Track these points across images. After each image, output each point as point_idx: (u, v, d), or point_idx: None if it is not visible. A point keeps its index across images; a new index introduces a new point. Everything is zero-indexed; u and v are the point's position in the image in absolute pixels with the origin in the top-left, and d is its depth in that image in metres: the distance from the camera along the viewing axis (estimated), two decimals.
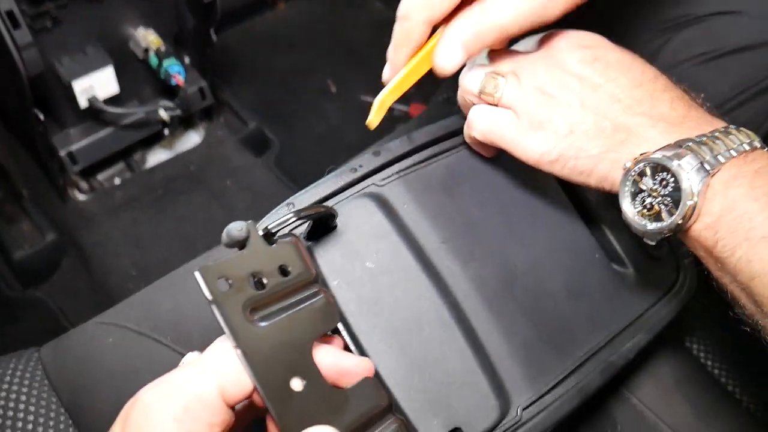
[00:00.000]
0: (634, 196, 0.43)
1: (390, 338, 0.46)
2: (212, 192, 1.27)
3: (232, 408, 0.34)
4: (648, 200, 0.43)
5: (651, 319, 0.57)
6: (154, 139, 1.30)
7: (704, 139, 0.41)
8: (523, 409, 0.49)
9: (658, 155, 0.42)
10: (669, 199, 0.42)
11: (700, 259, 0.44)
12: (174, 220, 1.22)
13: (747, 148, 0.42)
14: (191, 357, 0.39)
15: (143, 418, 0.33)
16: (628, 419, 0.64)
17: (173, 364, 0.55)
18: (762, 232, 0.39)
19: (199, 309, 0.59)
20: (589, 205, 0.59)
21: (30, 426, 0.54)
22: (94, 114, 1.10)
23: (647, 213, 0.43)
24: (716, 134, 0.42)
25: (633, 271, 0.58)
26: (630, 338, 0.56)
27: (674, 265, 0.61)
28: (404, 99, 1.53)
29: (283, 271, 0.38)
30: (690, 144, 0.41)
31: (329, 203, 0.50)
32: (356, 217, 0.49)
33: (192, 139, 1.36)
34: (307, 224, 0.47)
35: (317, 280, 0.40)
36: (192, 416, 0.33)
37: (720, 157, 0.41)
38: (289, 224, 0.43)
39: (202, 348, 0.56)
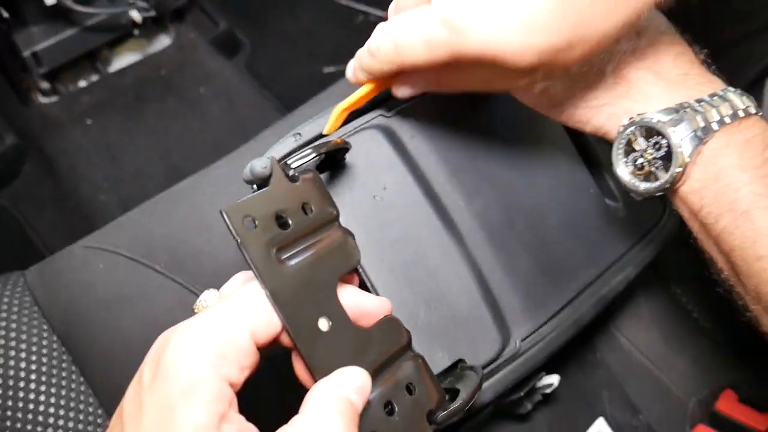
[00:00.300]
0: (627, 154, 0.44)
1: (397, 272, 0.46)
2: (186, 99, 1.22)
3: (260, 349, 0.34)
4: (640, 160, 0.43)
5: (639, 253, 0.59)
6: (121, 39, 1.23)
7: (702, 103, 0.41)
8: (522, 341, 0.50)
9: (653, 118, 0.42)
10: (660, 162, 0.42)
11: (684, 219, 0.45)
12: (147, 128, 1.17)
13: (741, 114, 0.41)
14: (210, 296, 0.38)
15: (177, 363, 0.31)
16: (608, 348, 0.67)
17: (167, 291, 0.55)
18: (746, 205, 0.40)
19: (190, 234, 0.58)
20: (585, 139, 0.59)
21: (23, 354, 0.53)
22: (61, 12, 1.03)
23: (638, 172, 0.44)
24: (714, 98, 0.42)
25: (623, 206, 0.59)
26: (620, 272, 0.57)
27: (661, 203, 0.62)
28: (380, 4, 1.48)
29: (305, 209, 0.38)
30: (687, 109, 0.41)
31: (336, 134, 0.49)
32: (364, 149, 0.48)
33: (161, 40, 1.29)
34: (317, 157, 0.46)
35: (338, 218, 0.40)
36: (227, 360, 0.32)
37: (714, 125, 0.41)
38: (305, 158, 0.42)
39: (197, 276, 0.56)
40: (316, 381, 0.34)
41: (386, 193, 0.48)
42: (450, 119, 0.52)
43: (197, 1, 1.33)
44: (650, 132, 0.42)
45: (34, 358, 0.53)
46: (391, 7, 0.45)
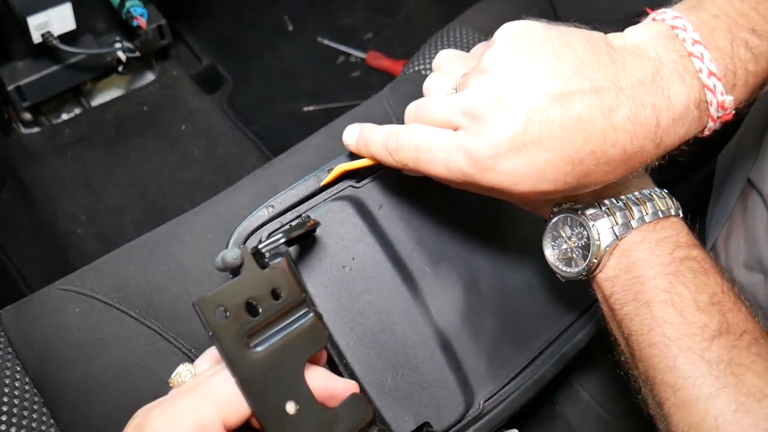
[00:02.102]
0: (554, 239, 0.48)
1: (366, 339, 0.49)
2: (167, 136, 1.24)
3: (231, 431, 0.37)
4: (564, 246, 0.48)
5: (599, 311, 0.61)
6: (105, 74, 1.25)
7: (626, 202, 0.46)
8: (485, 401, 0.52)
9: (578, 210, 0.46)
10: (580, 250, 0.47)
11: (599, 301, 0.49)
12: (126, 163, 1.19)
13: (661, 216, 0.46)
14: (185, 371, 0.41)
15: None
16: (568, 401, 0.69)
17: (141, 337, 0.56)
18: (647, 298, 0.44)
19: (167, 281, 0.59)
20: None
21: None
22: (47, 50, 1.05)
23: (562, 257, 0.48)
24: (638, 197, 0.46)
25: None
26: (580, 329, 0.59)
27: None
28: (361, 46, 1.52)
29: (275, 294, 0.40)
30: (610, 207, 0.45)
31: (307, 204, 0.52)
32: (334, 220, 0.51)
33: (145, 76, 1.31)
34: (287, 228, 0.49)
35: (306, 300, 0.42)
36: None
37: (633, 223, 0.45)
38: (276, 242, 0.44)
39: (171, 323, 0.57)
40: None
41: (355, 263, 0.51)
42: (416, 189, 0.55)
43: (182, 38, 1.35)
44: (574, 222, 0.46)
45: (5, 399, 0.54)
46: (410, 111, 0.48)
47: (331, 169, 0.52)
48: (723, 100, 0.40)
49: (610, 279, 0.46)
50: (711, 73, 0.40)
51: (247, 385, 0.36)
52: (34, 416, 0.54)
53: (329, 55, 1.51)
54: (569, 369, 0.63)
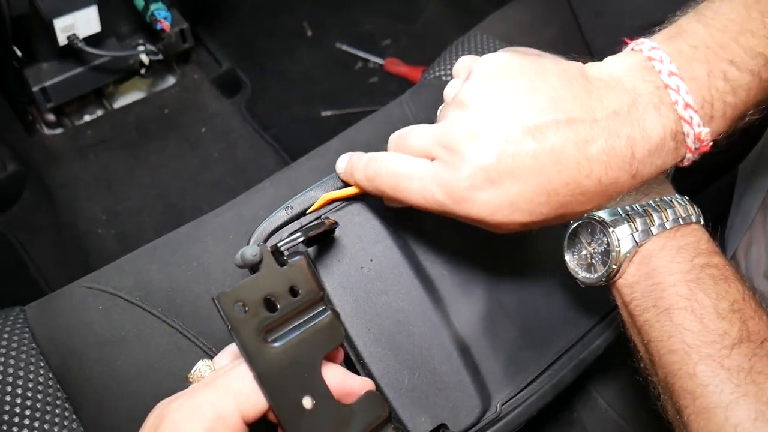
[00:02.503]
0: (574, 245, 0.49)
1: (383, 340, 0.50)
2: (187, 139, 1.25)
3: (249, 424, 0.38)
4: (584, 252, 0.48)
5: (618, 317, 0.61)
6: (127, 76, 1.26)
7: (646, 208, 0.46)
8: (502, 405, 0.52)
9: (598, 217, 0.46)
10: (600, 256, 0.47)
11: (618, 306, 0.49)
12: (147, 165, 1.20)
13: (681, 222, 0.46)
14: (204, 366, 0.42)
15: None
16: (585, 407, 0.69)
17: (163, 335, 0.57)
18: (667, 304, 0.44)
19: (189, 280, 0.60)
20: None
21: (19, 390, 0.54)
22: (72, 52, 1.07)
23: (582, 263, 0.48)
24: (660, 204, 0.46)
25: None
26: (599, 335, 0.59)
27: None
28: (379, 53, 1.52)
29: (293, 291, 0.41)
30: (630, 213, 0.45)
31: (326, 206, 0.52)
32: (353, 221, 0.52)
33: (166, 79, 1.32)
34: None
35: (323, 298, 0.43)
36: None
37: (653, 229, 0.45)
38: (295, 240, 0.45)
39: (192, 322, 0.58)
40: None
41: (373, 264, 0.51)
42: None
43: (202, 42, 1.37)
44: (594, 228, 0.46)
45: (29, 394, 0.55)
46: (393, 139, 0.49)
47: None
48: (699, 132, 0.41)
49: (629, 285, 0.46)
50: (687, 105, 0.40)
51: (264, 379, 0.37)
52: (57, 411, 0.55)
53: (347, 61, 1.52)
54: (587, 375, 0.63)
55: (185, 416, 0.36)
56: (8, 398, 0.54)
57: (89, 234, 1.12)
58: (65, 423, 0.55)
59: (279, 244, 0.43)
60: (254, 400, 0.37)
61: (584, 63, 0.44)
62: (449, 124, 0.43)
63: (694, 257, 0.45)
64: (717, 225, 0.73)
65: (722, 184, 0.75)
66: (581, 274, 0.48)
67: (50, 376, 0.56)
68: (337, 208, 0.52)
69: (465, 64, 0.52)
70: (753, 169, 0.69)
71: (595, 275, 0.47)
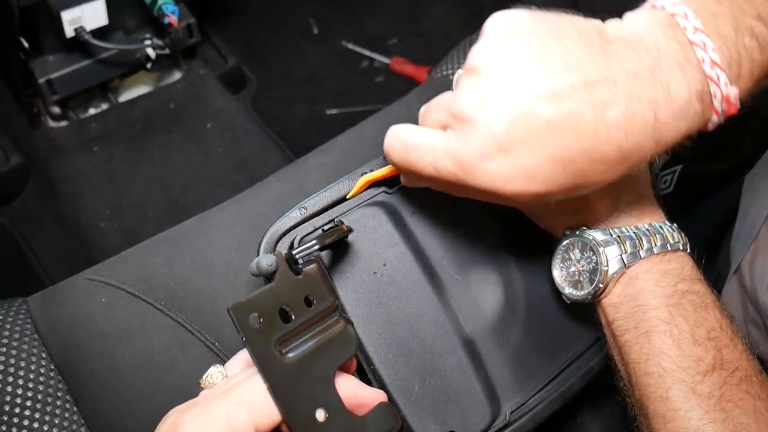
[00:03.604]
0: (563, 260, 0.49)
1: (394, 346, 0.49)
2: (192, 134, 1.25)
3: None
4: (572, 269, 0.49)
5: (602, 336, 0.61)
6: (133, 70, 1.26)
7: (637, 232, 0.46)
8: (512, 412, 0.52)
9: (590, 236, 0.46)
10: (588, 274, 0.47)
11: (602, 326, 0.49)
12: (151, 159, 1.20)
13: (669, 248, 0.46)
14: (216, 373, 0.42)
15: None
16: (590, 413, 0.68)
17: (165, 328, 0.57)
18: (647, 327, 0.44)
19: (192, 275, 0.59)
20: None
21: (21, 381, 0.54)
22: (79, 44, 1.06)
23: (570, 279, 0.49)
24: (650, 229, 0.46)
25: None
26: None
27: None
28: (385, 52, 1.52)
29: (308, 301, 0.41)
30: (621, 236, 0.46)
31: (340, 208, 0.52)
32: (366, 226, 0.51)
33: (172, 74, 1.32)
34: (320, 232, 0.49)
35: (337, 307, 0.42)
36: None
37: (641, 252, 0.45)
38: (309, 248, 0.45)
39: (195, 316, 0.57)
40: None
41: (386, 269, 0.51)
42: (449, 197, 0.54)
43: (209, 38, 1.37)
44: (585, 246, 0.47)
45: (30, 385, 0.54)
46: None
47: (365, 173, 0.52)
48: (727, 93, 0.38)
49: (614, 305, 0.47)
50: (714, 63, 0.37)
51: (278, 391, 0.37)
52: (58, 403, 0.55)
53: (353, 60, 1.52)
54: (595, 385, 0.63)
55: (199, 428, 0.36)
56: (9, 389, 0.54)
57: (91, 227, 1.12)
58: (66, 415, 0.55)
59: (294, 252, 0.43)
60: (268, 412, 0.37)
61: (602, 21, 0.41)
62: (460, 92, 0.41)
63: (677, 282, 0.45)
64: (722, 236, 0.73)
65: (728, 194, 0.74)
66: (567, 290, 0.49)
67: (51, 367, 0.56)
68: (352, 209, 0.52)
69: None
70: (759, 182, 0.69)
71: (582, 293, 0.48)
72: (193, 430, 0.36)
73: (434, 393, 0.49)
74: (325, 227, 0.50)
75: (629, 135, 0.38)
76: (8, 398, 0.54)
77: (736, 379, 0.43)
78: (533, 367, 0.54)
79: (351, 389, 0.41)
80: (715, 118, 0.40)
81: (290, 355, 0.38)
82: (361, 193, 0.52)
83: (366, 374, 0.49)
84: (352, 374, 0.46)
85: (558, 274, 0.50)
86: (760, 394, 0.43)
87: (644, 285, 0.45)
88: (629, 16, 0.41)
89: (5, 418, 0.53)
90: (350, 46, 1.53)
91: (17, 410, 0.54)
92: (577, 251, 0.48)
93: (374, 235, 0.51)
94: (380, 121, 0.74)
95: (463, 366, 0.51)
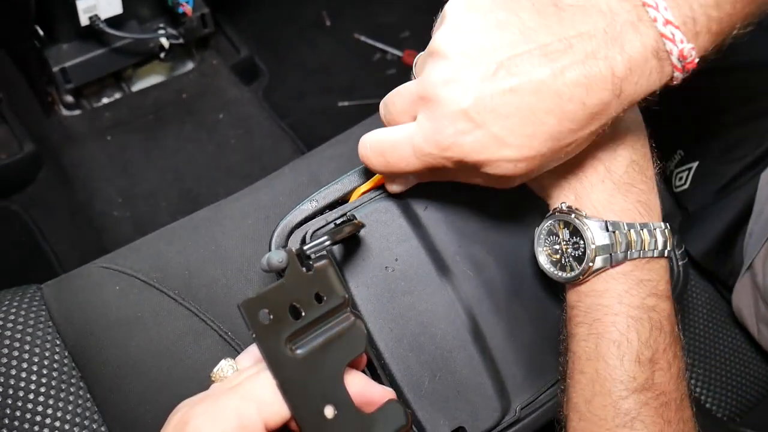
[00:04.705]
0: (549, 235, 0.49)
1: (405, 341, 0.49)
2: (204, 124, 1.25)
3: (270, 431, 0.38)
4: (556, 247, 0.48)
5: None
6: (146, 60, 1.26)
7: (630, 230, 0.46)
8: (522, 408, 0.52)
9: (585, 225, 0.46)
10: (571, 258, 0.47)
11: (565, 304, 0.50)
12: (164, 149, 1.20)
13: (655, 254, 0.46)
14: (227, 366, 0.42)
15: None
16: None
17: (179, 317, 0.57)
18: (600, 330, 0.45)
19: (206, 264, 0.59)
20: None
21: (35, 367, 0.55)
22: (93, 33, 1.07)
23: (552, 256, 0.49)
24: (642, 228, 0.46)
25: None
26: None
27: (670, 266, 0.63)
28: (398, 44, 1.52)
29: (318, 297, 0.40)
30: (615, 231, 0.45)
31: (352, 202, 0.52)
32: (379, 220, 0.51)
33: (185, 64, 1.32)
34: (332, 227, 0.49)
35: (348, 303, 0.42)
36: None
37: (629, 254, 0.45)
38: (321, 244, 0.44)
39: (208, 305, 0.58)
40: None
41: (398, 264, 0.51)
42: (462, 190, 0.54)
43: (222, 29, 1.37)
44: (576, 231, 0.46)
45: (45, 371, 0.55)
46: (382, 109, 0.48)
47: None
48: (682, 48, 0.39)
49: (581, 292, 0.47)
50: (667, 22, 0.39)
51: (287, 388, 0.37)
52: (72, 390, 0.55)
53: (366, 52, 1.51)
54: None
55: (208, 422, 0.36)
56: (24, 374, 0.55)
57: (104, 216, 1.12)
58: (79, 402, 0.55)
59: (305, 248, 0.43)
60: (277, 409, 0.37)
61: None
62: (424, 75, 0.43)
63: (647, 296, 0.46)
64: (735, 233, 0.72)
65: (742, 192, 0.74)
66: (546, 267, 0.49)
67: (66, 354, 0.56)
68: (364, 204, 0.52)
69: None
70: None
71: (561, 274, 0.48)
72: (202, 424, 0.36)
73: (444, 388, 0.49)
74: (338, 221, 0.50)
75: (590, 91, 0.39)
76: (22, 384, 0.54)
77: (657, 402, 0.44)
78: (544, 363, 0.53)
79: (360, 386, 0.41)
80: (677, 74, 0.41)
81: (300, 351, 0.38)
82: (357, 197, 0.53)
83: (376, 369, 0.49)
84: (362, 370, 0.46)
85: (542, 248, 0.49)
86: (672, 418, 0.45)
87: (615, 287, 0.46)
88: None
89: (20, 404, 0.54)
90: (363, 38, 1.52)
91: (31, 396, 0.54)
92: (566, 231, 0.47)
93: (386, 229, 0.51)
94: None
95: (474, 362, 0.50)
